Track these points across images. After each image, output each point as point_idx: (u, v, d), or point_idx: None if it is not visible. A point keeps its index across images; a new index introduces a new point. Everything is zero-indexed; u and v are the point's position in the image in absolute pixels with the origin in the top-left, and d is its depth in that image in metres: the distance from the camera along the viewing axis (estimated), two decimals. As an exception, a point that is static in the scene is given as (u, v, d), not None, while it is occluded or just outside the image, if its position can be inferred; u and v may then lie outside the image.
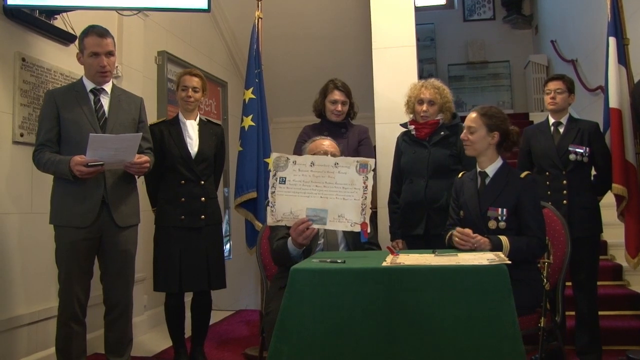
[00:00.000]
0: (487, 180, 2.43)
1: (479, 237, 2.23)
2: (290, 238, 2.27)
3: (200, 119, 3.17)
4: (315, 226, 2.16)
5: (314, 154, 2.56)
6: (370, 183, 2.13)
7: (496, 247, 2.21)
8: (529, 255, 2.32)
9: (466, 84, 9.23)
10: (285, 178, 2.20)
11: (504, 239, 2.25)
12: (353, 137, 3.23)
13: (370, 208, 2.17)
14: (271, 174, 2.21)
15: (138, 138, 2.53)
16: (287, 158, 2.22)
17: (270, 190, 2.21)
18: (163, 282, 3.01)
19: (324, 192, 2.15)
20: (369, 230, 2.13)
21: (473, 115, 2.43)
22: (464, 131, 2.44)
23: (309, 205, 2.16)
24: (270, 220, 2.22)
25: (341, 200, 2.14)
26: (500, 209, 2.34)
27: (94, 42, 2.58)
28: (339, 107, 3.23)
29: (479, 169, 2.47)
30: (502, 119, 2.43)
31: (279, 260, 2.41)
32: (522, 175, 2.40)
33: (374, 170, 2.19)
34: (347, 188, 2.13)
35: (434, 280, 1.75)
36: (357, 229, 2.12)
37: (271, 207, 2.20)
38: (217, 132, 3.22)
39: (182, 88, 3.07)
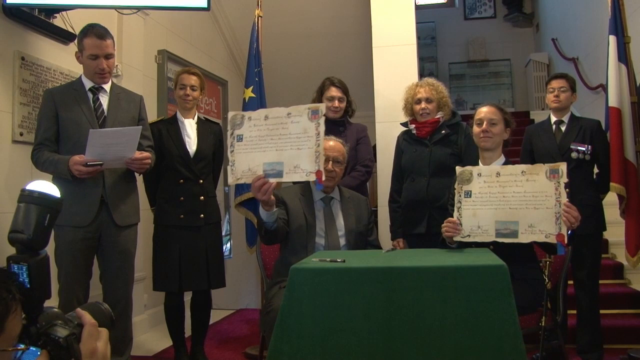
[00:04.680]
0: None
1: None
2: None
3: (198, 117, 3.16)
4: (272, 180, 2.07)
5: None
6: (322, 129, 2.03)
7: None
8: None
9: (467, 83, 9.22)
10: (242, 135, 2.13)
11: None
12: (351, 136, 3.22)
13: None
14: (228, 133, 2.15)
15: (138, 132, 2.53)
16: (243, 115, 2.16)
17: (229, 150, 2.15)
18: (162, 281, 3.00)
19: (279, 145, 2.07)
20: (323, 178, 2.04)
21: (492, 109, 2.46)
22: (485, 123, 2.42)
23: (265, 160, 2.08)
24: (230, 180, 2.17)
25: (296, 151, 2.04)
26: None
27: (94, 43, 2.57)
28: (336, 104, 3.22)
29: (482, 165, 2.47)
30: (511, 117, 2.50)
31: (259, 230, 2.39)
32: None
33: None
34: (300, 137, 2.04)
35: (434, 279, 1.74)
36: (312, 177, 2.02)
37: (231, 166, 2.14)
38: (215, 130, 3.21)
39: (180, 86, 3.06)
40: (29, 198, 1.04)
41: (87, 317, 0.97)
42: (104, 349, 0.94)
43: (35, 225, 1.02)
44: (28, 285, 0.97)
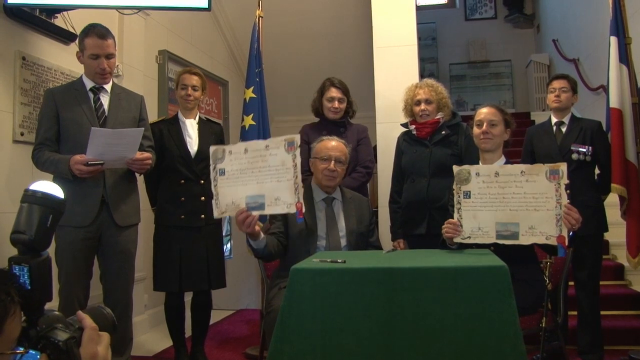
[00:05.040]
0: None
1: None
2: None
3: (199, 117, 3.16)
4: (255, 213, 2.13)
5: (319, 157, 2.56)
6: (298, 161, 2.09)
7: None
8: None
9: (467, 84, 9.22)
10: (224, 169, 2.19)
11: None
12: (352, 136, 3.22)
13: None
14: (211, 167, 2.21)
15: (140, 133, 2.53)
16: (224, 149, 2.21)
17: (212, 184, 2.20)
18: (163, 281, 3.00)
19: (259, 177, 2.13)
20: (303, 210, 2.10)
21: (492, 110, 2.45)
22: (485, 124, 2.41)
23: (247, 193, 2.14)
24: (215, 213, 2.22)
25: (276, 183, 2.11)
26: None
27: (94, 43, 2.57)
28: (336, 104, 3.22)
29: (480, 164, 2.47)
30: (511, 118, 2.50)
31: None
32: None
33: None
34: (279, 169, 2.11)
35: (434, 280, 1.74)
36: (293, 209, 2.09)
37: (215, 200, 2.19)
38: (216, 131, 3.20)
39: (182, 87, 3.06)
40: (32, 198, 1.03)
41: (87, 321, 0.96)
42: (105, 353, 0.93)
43: (38, 226, 1.00)
44: (29, 287, 0.95)
